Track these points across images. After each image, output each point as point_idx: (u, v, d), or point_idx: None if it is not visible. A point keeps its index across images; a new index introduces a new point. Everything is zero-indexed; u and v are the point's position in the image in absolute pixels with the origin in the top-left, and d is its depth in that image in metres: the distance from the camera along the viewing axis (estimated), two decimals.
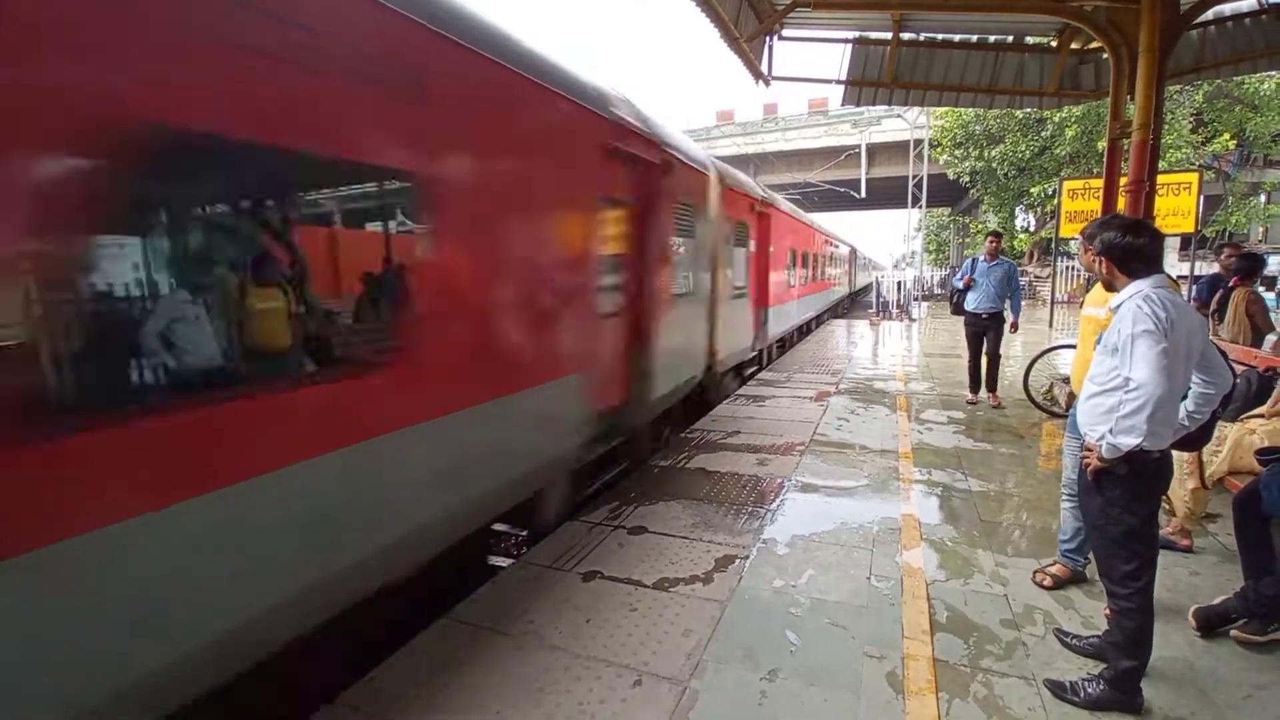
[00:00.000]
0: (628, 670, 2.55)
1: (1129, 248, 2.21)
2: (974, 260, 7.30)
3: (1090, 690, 2.34)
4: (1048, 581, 3.19)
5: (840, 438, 5.95)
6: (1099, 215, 8.75)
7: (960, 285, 7.25)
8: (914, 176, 25.31)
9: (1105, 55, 7.72)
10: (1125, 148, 7.09)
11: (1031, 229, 29.02)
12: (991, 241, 7.19)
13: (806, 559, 3.51)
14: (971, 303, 7.13)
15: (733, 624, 2.87)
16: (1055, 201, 20.95)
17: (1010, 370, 9.86)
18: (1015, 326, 7.05)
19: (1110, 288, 2.33)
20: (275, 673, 2.22)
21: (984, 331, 7.10)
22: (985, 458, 5.29)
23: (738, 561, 3.49)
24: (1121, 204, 6.89)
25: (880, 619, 2.90)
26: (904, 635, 2.76)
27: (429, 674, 2.54)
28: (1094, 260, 2.94)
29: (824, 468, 5.08)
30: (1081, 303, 3.69)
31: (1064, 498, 3.26)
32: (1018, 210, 28.92)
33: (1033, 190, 24.24)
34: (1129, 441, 2.13)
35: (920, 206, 25.56)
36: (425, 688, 2.46)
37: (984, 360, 7.20)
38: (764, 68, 8.80)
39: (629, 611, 2.99)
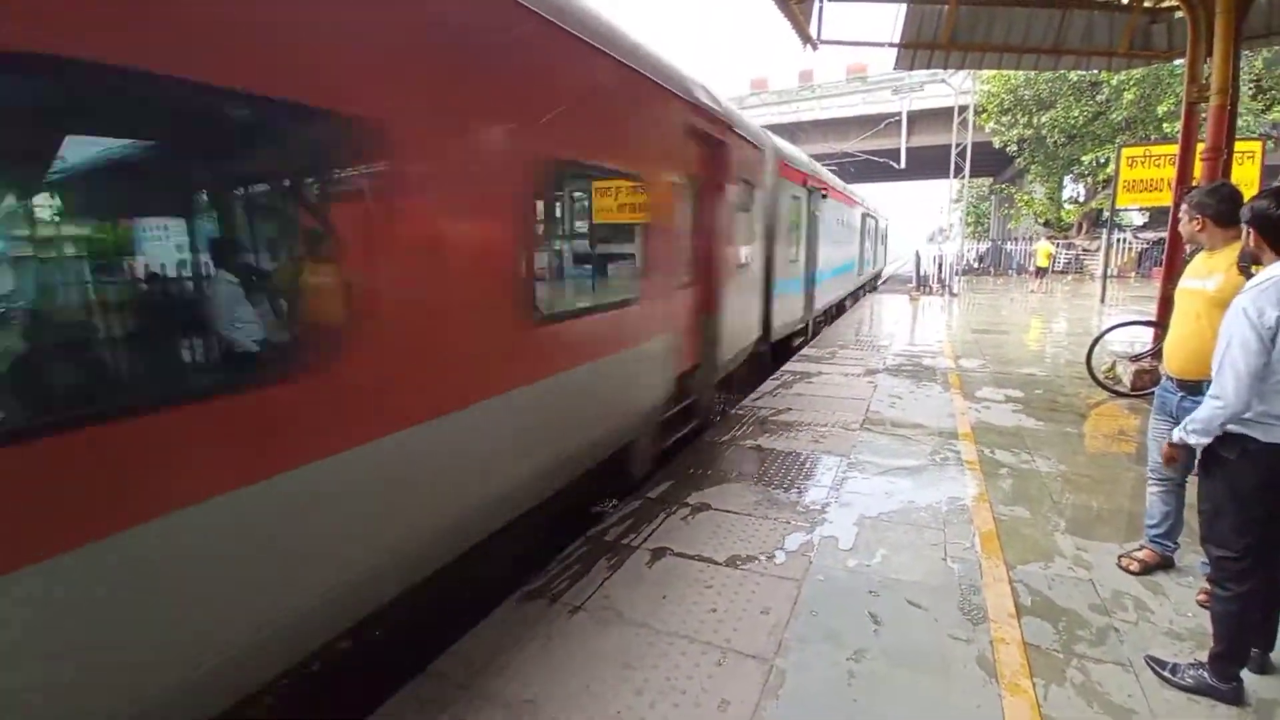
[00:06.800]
0: (711, 647, 2.55)
1: None
2: None
3: (1189, 675, 2.28)
4: (1134, 566, 3.09)
5: (895, 416, 5.83)
6: (1171, 183, 8.30)
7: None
8: (957, 145, 24.36)
9: (1179, 14, 7.24)
10: (1202, 112, 6.70)
11: (1081, 199, 27.86)
12: None
13: (877, 539, 3.46)
14: None
15: (811, 603, 2.85)
16: (1109, 170, 20.09)
17: (1061, 345, 9.56)
18: None
19: (1257, 261, 2.17)
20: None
21: None
22: (1050, 438, 5.14)
23: (807, 540, 3.45)
24: (1198, 172, 6.53)
25: (962, 601, 2.84)
26: (989, 618, 2.70)
27: (515, 645, 2.57)
28: (1199, 229, 2.79)
29: (882, 446, 4.99)
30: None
31: (1150, 482, 3.13)
32: (1066, 180, 27.77)
33: (1084, 158, 23.21)
34: (1199, 440, 2.23)
35: (963, 176, 24.63)
36: (513, 657, 2.49)
37: None
38: (813, 31, 8.47)
39: (704, 589, 2.98)
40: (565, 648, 2.56)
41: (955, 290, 18.95)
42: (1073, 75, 21.55)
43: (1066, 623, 2.69)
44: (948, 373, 7.71)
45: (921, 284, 19.66)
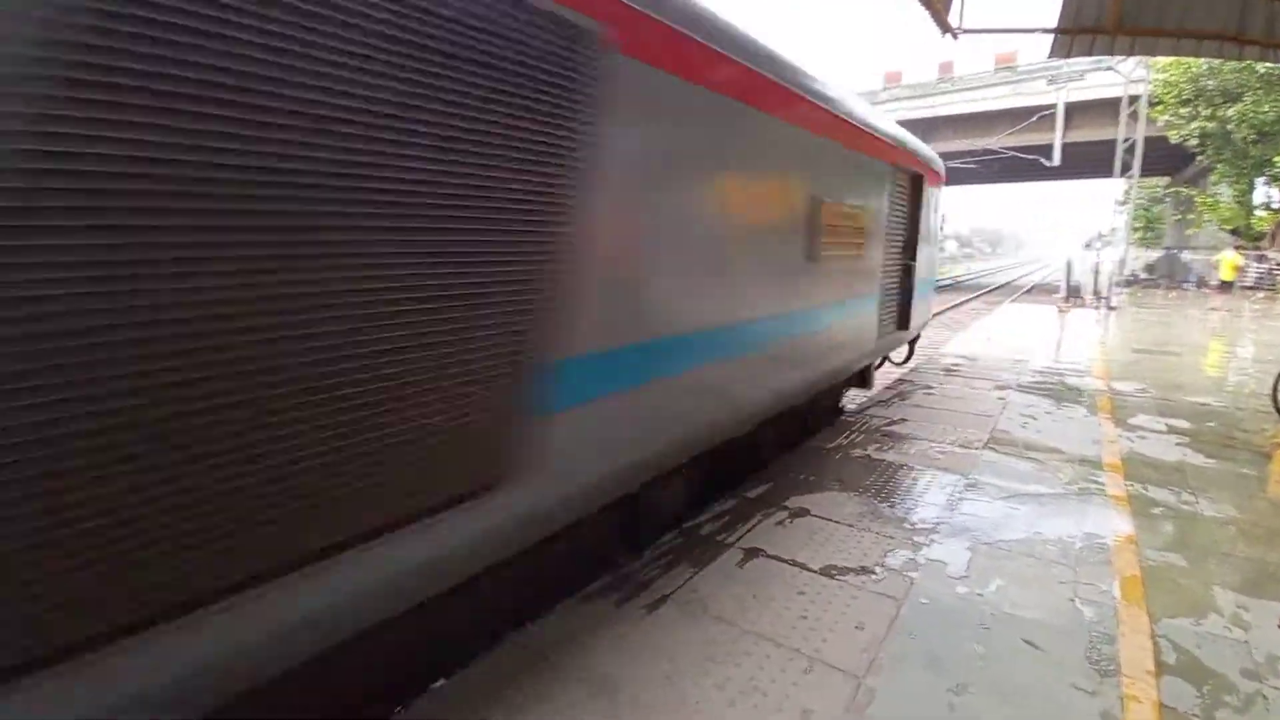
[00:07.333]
0: (798, 655, 2.49)
1: None
2: None
3: None
4: None
5: (1026, 437, 5.33)
6: None
7: None
8: (1125, 140, 21.59)
9: None
10: None
11: (1276, 205, 23.71)
12: None
13: (993, 567, 3.19)
14: None
15: (911, 625, 2.69)
16: None
17: (1245, 372, 8.22)
18: None
19: None
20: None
21: None
22: (1221, 478, 4.46)
23: (912, 559, 3.26)
24: None
25: (1090, 649, 2.56)
26: (1122, 672, 2.42)
27: (600, 624, 2.66)
28: None
29: (1008, 468, 4.58)
30: None
31: None
32: (1258, 182, 23.70)
33: (1277, 160, 19.73)
34: None
35: (1131, 175, 21.80)
36: (596, 635, 2.58)
37: None
38: (953, 19, 7.89)
39: (796, 594, 2.91)
40: (648, 633, 2.61)
41: (1114, 303, 16.88)
42: (1260, 66, 18.38)
43: (1212, 687, 2.34)
44: (1096, 395, 6.90)
45: (1072, 294, 17.70)
